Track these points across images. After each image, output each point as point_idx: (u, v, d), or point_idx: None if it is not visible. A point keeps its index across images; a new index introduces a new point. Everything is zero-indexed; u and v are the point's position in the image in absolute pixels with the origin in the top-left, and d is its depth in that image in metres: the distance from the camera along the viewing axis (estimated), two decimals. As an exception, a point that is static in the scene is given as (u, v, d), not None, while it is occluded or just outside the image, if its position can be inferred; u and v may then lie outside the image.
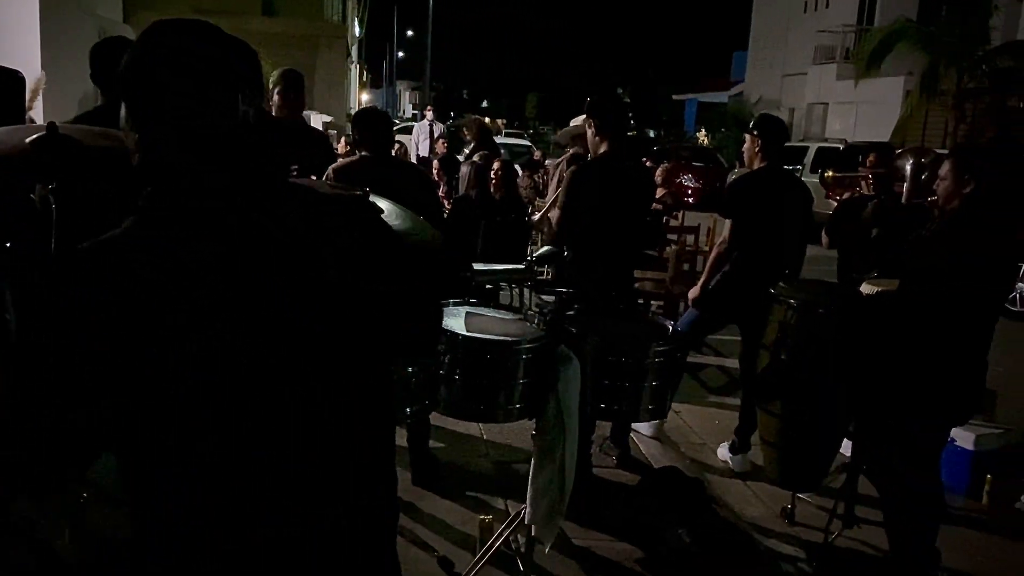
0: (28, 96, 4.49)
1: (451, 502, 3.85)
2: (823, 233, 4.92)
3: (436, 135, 15.56)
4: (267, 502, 1.29)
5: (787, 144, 17.84)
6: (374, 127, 3.86)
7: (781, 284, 3.91)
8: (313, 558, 1.32)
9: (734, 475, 4.45)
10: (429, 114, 17.31)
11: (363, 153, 3.81)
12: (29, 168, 2.86)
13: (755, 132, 4.42)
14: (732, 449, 4.52)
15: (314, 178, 4.46)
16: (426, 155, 15.13)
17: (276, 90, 4.64)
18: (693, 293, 4.61)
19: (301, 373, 1.30)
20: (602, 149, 4.05)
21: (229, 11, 19.65)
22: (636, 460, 4.52)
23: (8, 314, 3.50)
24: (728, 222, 4.44)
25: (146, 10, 18.44)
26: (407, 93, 62.46)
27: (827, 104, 24.26)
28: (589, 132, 4.10)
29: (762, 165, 4.39)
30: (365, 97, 34.85)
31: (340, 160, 3.97)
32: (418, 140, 16.25)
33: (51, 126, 2.90)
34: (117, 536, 2.61)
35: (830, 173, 5.07)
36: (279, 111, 4.65)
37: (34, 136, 2.86)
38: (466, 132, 9.32)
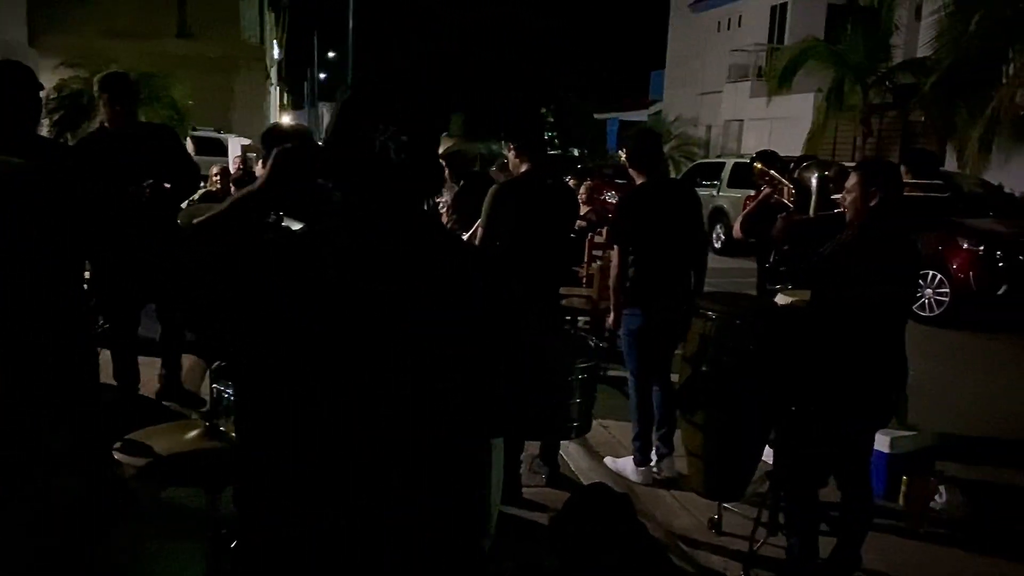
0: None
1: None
2: (736, 224, 4.90)
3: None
4: (344, 493, 1.42)
5: (707, 160, 18.16)
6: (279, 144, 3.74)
7: (699, 298, 3.99)
8: (379, 552, 1.43)
9: (662, 487, 4.48)
10: (351, 135, 17.16)
11: None
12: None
13: (625, 149, 4.58)
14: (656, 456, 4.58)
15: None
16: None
17: (102, 100, 4.55)
18: (610, 323, 4.65)
19: (394, 375, 1.42)
20: (523, 169, 4.09)
21: (143, 34, 19.17)
22: (566, 477, 4.51)
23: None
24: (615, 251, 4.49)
25: (52, 33, 17.87)
26: (329, 114, 61.87)
27: (742, 121, 24.96)
28: (510, 154, 4.15)
29: (643, 181, 4.49)
30: (286, 119, 34.36)
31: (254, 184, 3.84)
32: (340, 162, 16.08)
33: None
34: None
35: (759, 165, 5.07)
36: (109, 122, 4.60)
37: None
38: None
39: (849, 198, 3.26)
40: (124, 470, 2.15)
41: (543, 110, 38.08)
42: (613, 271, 4.51)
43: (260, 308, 1.41)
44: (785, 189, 4.36)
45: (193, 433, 2.18)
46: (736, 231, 4.59)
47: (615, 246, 4.48)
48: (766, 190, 4.40)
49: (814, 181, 4.04)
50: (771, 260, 4.54)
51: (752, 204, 4.56)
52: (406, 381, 1.43)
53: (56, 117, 15.09)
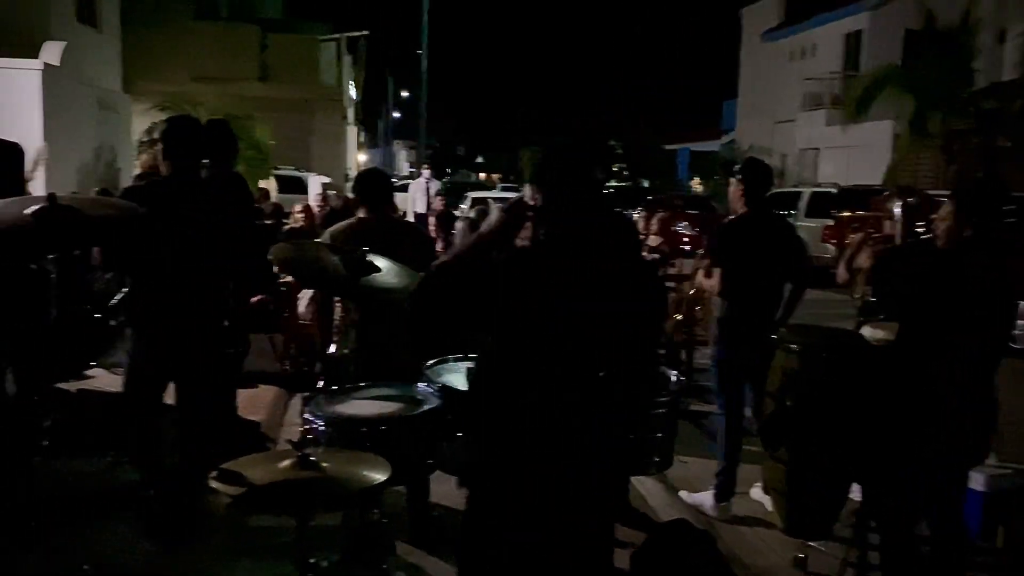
0: (29, 167, 4.56)
1: (453, 564, 3.77)
2: (840, 266, 4.77)
3: (433, 192, 15.71)
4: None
5: (782, 190, 17.59)
6: (372, 187, 3.89)
7: (783, 330, 3.92)
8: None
9: (743, 525, 4.38)
10: (426, 172, 17.51)
11: (361, 215, 3.83)
12: (30, 239, 2.89)
13: (739, 176, 4.47)
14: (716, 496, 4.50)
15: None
16: (423, 212, 15.27)
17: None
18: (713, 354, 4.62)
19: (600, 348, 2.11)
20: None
21: (227, 78, 20.00)
22: (641, 514, 4.45)
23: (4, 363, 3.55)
24: (716, 273, 4.42)
25: (144, 80, 18.78)
26: (403, 152, 63.20)
27: (818, 149, 24.52)
28: None
29: (745, 211, 4.42)
30: (362, 157, 35.24)
31: (342, 223, 3.97)
32: (415, 197, 16.42)
33: (51, 197, 2.94)
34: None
35: (844, 214, 4.97)
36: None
37: (35, 208, 2.89)
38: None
39: (942, 226, 3.18)
40: (219, 497, 2.22)
41: (612, 141, 38.12)
42: (714, 288, 4.47)
43: (522, 297, 2.02)
44: (886, 223, 4.20)
45: (286, 463, 2.24)
46: (841, 278, 4.47)
47: (715, 268, 4.41)
48: (859, 236, 4.32)
49: (897, 210, 3.95)
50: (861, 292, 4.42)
51: (852, 248, 4.47)
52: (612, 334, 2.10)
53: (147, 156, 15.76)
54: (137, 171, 5.40)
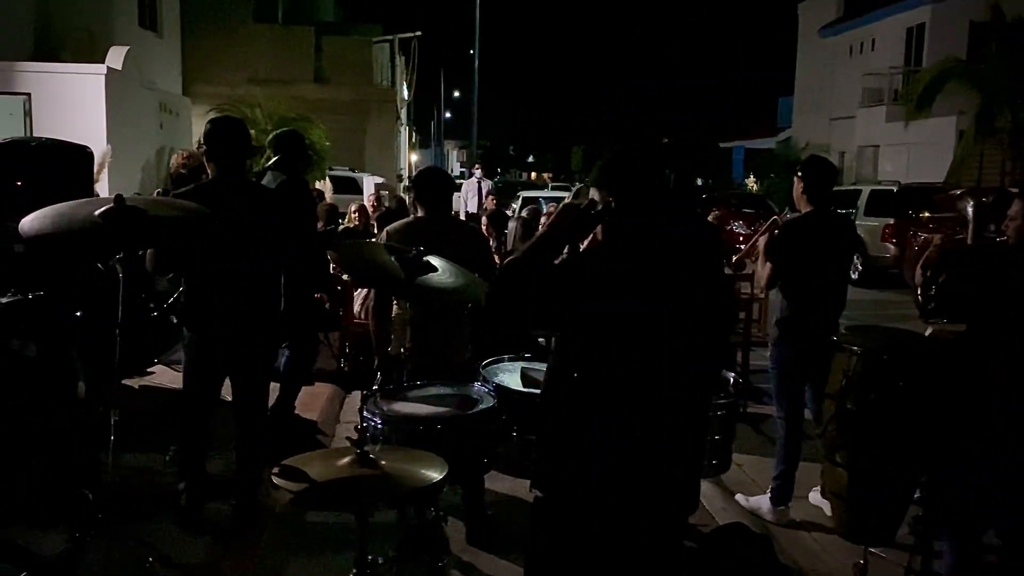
0: (95, 169, 4.71)
1: (508, 562, 3.78)
2: (917, 269, 4.60)
3: (484, 192, 15.77)
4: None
5: (841, 188, 17.15)
6: (428, 186, 3.90)
7: (843, 331, 3.83)
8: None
9: (801, 530, 4.30)
10: (477, 171, 17.57)
11: (419, 214, 3.85)
12: (98, 240, 2.97)
13: (800, 174, 4.38)
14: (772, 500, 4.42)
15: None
16: (475, 211, 15.34)
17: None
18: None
19: (680, 347, 2.08)
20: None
21: (283, 80, 20.32)
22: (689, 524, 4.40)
23: (80, 376, 3.69)
24: (767, 267, 4.33)
25: (202, 83, 19.21)
26: (455, 152, 63.56)
27: (878, 146, 23.97)
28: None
29: (809, 209, 4.32)
30: (415, 158, 35.51)
31: (399, 221, 4.00)
32: (467, 197, 16.49)
33: (118, 198, 3.02)
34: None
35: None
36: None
37: (103, 209, 2.98)
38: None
39: (1012, 225, 3.09)
40: (280, 493, 2.25)
41: (664, 140, 37.73)
42: (763, 282, 4.41)
43: (588, 298, 2.02)
44: (970, 227, 4.04)
45: (345, 460, 2.26)
46: (918, 277, 4.31)
47: (768, 263, 4.32)
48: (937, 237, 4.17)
49: (970, 209, 3.83)
50: (924, 292, 4.28)
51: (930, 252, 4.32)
52: (682, 335, 2.07)
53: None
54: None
